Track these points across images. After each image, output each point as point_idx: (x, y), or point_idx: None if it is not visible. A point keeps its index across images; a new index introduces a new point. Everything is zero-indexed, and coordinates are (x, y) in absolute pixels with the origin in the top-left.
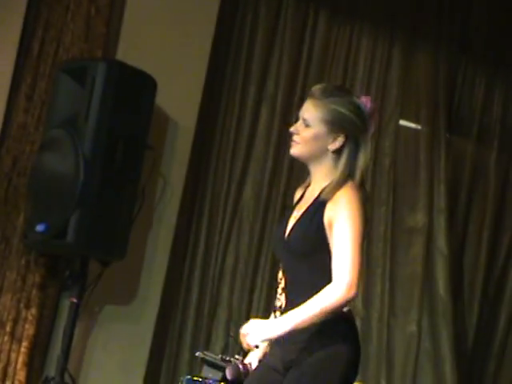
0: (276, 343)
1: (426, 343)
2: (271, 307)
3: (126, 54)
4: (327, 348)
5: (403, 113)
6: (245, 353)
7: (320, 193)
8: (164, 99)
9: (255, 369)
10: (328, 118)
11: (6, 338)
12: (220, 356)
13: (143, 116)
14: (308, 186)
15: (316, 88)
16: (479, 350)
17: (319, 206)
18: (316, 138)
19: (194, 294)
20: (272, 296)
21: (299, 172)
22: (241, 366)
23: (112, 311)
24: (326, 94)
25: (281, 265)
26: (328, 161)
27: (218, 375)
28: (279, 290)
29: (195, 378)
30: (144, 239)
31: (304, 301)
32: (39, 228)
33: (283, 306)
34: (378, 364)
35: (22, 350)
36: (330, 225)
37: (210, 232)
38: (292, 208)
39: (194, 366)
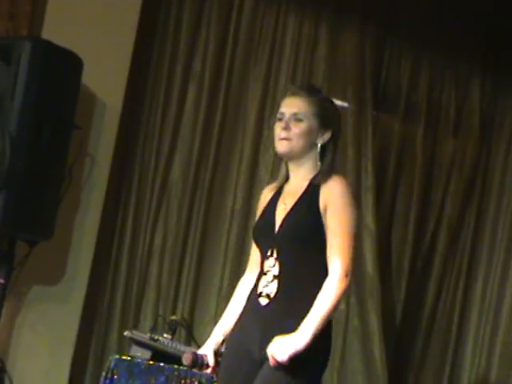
0: (252, 329)
1: (354, 320)
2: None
3: (52, 32)
4: (312, 345)
5: (330, 91)
6: (173, 331)
7: (310, 182)
8: (91, 78)
9: (227, 351)
10: (319, 112)
11: None
12: (148, 335)
13: (70, 95)
14: (283, 184)
15: (298, 86)
16: (407, 326)
17: (313, 192)
18: (309, 131)
19: (123, 273)
20: (200, 275)
21: (227, 151)
22: (200, 356)
23: (40, 291)
24: (311, 91)
25: (271, 254)
26: (314, 155)
27: (147, 354)
28: (269, 278)
29: (124, 358)
30: (71, 219)
31: (302, 287)
32: None
33: (274, 293)
34: None
35: None
36: (325, 208)
37: (138, 211)
38: (269, 205)
39: (123, 345)
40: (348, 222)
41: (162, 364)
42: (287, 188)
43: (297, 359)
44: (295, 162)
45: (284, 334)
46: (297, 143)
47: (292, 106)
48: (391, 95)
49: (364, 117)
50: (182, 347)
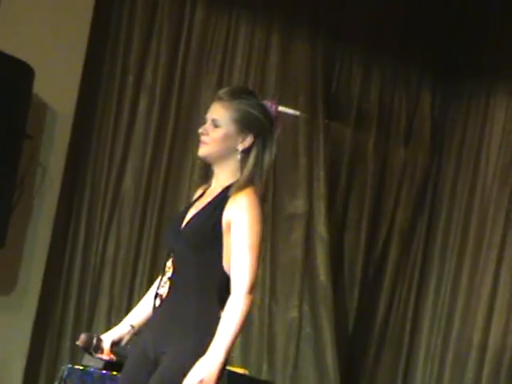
0: (150, 331)
1: (307, 328)
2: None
3: (3, 42)
4: (195, 341)
5: (282, 99)
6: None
7: (222, 191)
8: (42, 87)
9: (130, 354)
10: (238, 117)
11: None
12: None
13: (21, 104)
14: (209, 186)
15: (224, 91)
16: (360, 334)
17: (220, 203)
18: (226, 137)
19: (75, 283)
20: (153, 283)
21: (179, 160)
22: (94, 340)
23: None
24: (235, 95)
25: (172, 255)
26: (234, 161)
27: (100, 363)
28: (165, 279)
29: (77, 367)
30: (23, 229)
31: (189, 292)
32: None
33: (165, 294)
34: (259, 349)
35: None
36: (229, 225)
37: (91, 221)
38: (190, 204)
39: (76, 354)
40: (253, 238)
41: (114, 373)
42: (208, 190)
43: (184, 360)
44: (215, 166)
45: (166, 337)
46: (213, 148)
47: (212, 111)
48: (342, 104)
49: (316, 125)
50: None
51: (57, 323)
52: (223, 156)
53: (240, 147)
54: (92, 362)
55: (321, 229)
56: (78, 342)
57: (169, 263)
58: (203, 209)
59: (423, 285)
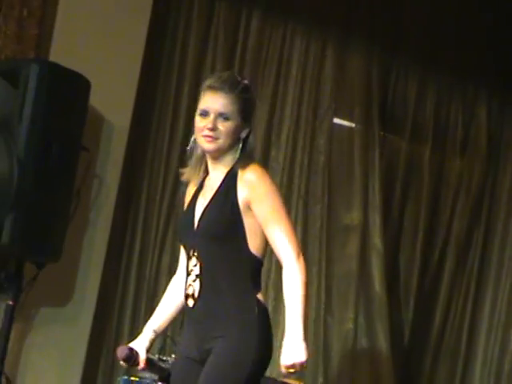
0: (189, 332)
1: (362, 340)
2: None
3: (59, 55)
4: (243, 335)
5: (337, 111)
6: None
7: (227, 175)
8: (98, 100)
9: (174, 364)
10: (244, 108)
11: None
12: (157, 356)
13: (77, 117)
14: (202, 178)
15: (220, 81)
16: (416, 346)
17: (230, 186)
18: (236, 129)
19: (131, 294)
20: None
21: None
22: (133, 352)
23: (48, 313)
24: (234, 85)
25: (193, 254)
26: (236, 148)
27: (156, 375)
28: (193, 277)
29: (132, 378)
30: (79, 240)
31: (220, 288)
32: None
33: (197, 293)
34: (315, 361)
35: None
36: (247, 204)
37: (146, 232)
38: (192, 201)
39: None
40: (278, 207)
41: None
42: (207, 182)
43: (234, 356)
44: (219, 157)
45: (209, 335)
46: (224, 142)
47: (217, 104)
48: (398, 115)
49: (371, 137)
50: None
51: (113, 334)
52: (231, 146)
53: (243, 135)
54: (148, 374)
55: (376, 240)
56: (118, 355)
57: (192, 262)
58: (214, 198)
59: (479, 296)
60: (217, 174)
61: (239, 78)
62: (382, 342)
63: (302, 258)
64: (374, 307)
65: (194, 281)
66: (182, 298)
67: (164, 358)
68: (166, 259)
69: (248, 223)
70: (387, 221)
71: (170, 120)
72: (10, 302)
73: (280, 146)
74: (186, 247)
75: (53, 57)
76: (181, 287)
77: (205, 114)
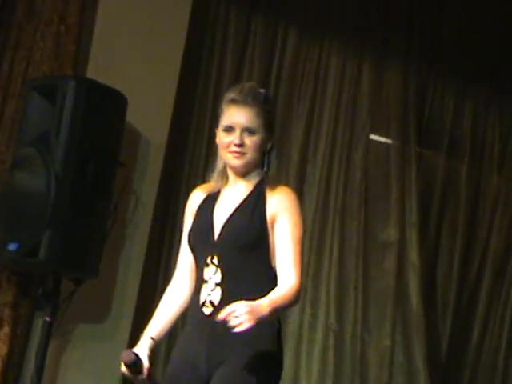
0: (196, 340)
1: (399, 357)
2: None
3: (96, 71)
4: (265, 347)
5: (374, 127)
6: None
7: (255, 187)
8: (135, 116)
9: (171, 368)
10: (268, 121)
11: None
12: None
13: (114, 133)
14: (219, 186)
15: (242, 94)
16: (453, 362)
17: (257, 200)
18: (262, 143)
19: None
20: None
21: None
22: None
23: (85, 330)
24: (257, 97)
25: (209, 260)
26: (260, 161)
27: None
28: (211, 286)
29: None
30: (117, 257)
31: (245, 294)
32: (11, 247)
33: (217, 301)
34: (352, 378)
35: None
36: (273, 221)
37: None
38: (204, 209)
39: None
40: (299, 232)
41: None
42: (228, 192)
43: (250, 370)
44: (244, 169)
45: (224, 343)
46: (251, 156)
47: (242, 118)
48: (435, 131)
49: (408, 153)
50: None
51: None
52: (258, 159)
53: (268, 147)
54: None
55: (413, 257)
56: (124, 359)
57: (211, 270)
58: (240, 209)
59: None
60: (240, 185)
61: (260, 89)
62: (419, 359)
63: (300, 286)
64: (411, 324)
65: (214, 289)
66: (181, 306)
67: None
68: None
69: (272, 239)
70: (424, 237)
71: (206, 136)
72: (48, 319)
73: (316, 163)
74: (200, 256)
75: (90, 73)
76: (180, 295)
77: (230, 129)
